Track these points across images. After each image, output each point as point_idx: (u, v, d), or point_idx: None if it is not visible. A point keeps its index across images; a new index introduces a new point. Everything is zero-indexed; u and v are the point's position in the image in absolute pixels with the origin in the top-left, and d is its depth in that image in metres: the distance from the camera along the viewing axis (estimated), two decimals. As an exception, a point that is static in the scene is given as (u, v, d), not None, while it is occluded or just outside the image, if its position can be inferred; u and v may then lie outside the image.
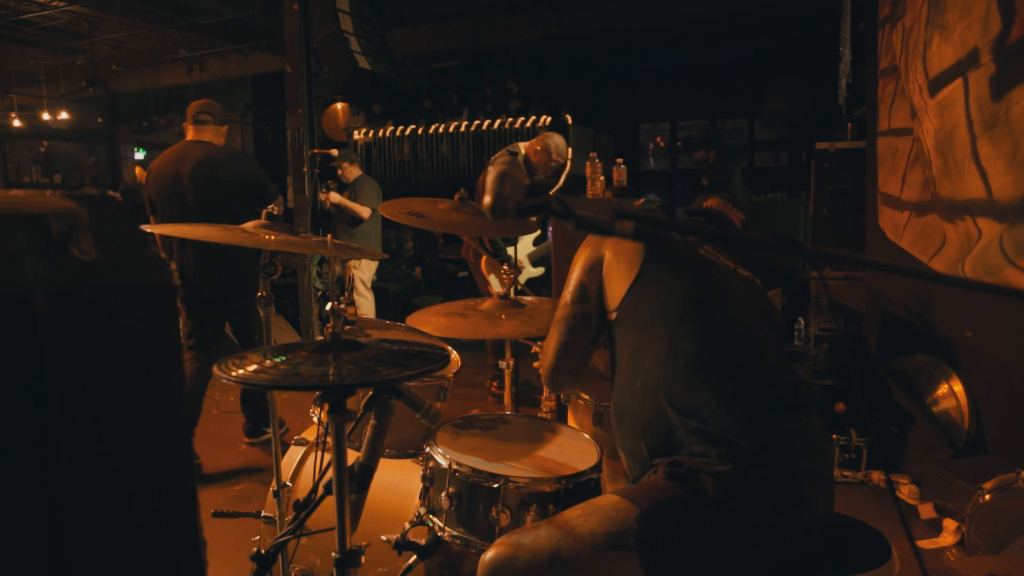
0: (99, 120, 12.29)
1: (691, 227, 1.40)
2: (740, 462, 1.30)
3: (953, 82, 2.86)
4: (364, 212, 5.49)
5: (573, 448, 1.76)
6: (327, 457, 1.34)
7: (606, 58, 8.56)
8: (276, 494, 2.02)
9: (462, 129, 7.92)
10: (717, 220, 1.74)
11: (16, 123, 10.71)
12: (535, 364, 1.99)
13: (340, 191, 5.61)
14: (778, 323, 1.64)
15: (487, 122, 7.76)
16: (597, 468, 1.64)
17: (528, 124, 7.48)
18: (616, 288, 1.53)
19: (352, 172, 5.71)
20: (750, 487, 1.29)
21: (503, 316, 2.06)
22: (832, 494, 1.44)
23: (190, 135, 3.85)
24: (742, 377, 1.40)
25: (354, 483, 1.41)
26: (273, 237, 1.86)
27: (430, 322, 2.03)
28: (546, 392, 2.52)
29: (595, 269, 1.59)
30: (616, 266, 1.54)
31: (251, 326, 3.94)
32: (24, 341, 0.65)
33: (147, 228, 1.80)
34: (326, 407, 1.29)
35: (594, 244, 1.61)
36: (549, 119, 7.30)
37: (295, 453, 2.15)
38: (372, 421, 1.42)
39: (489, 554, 1.37)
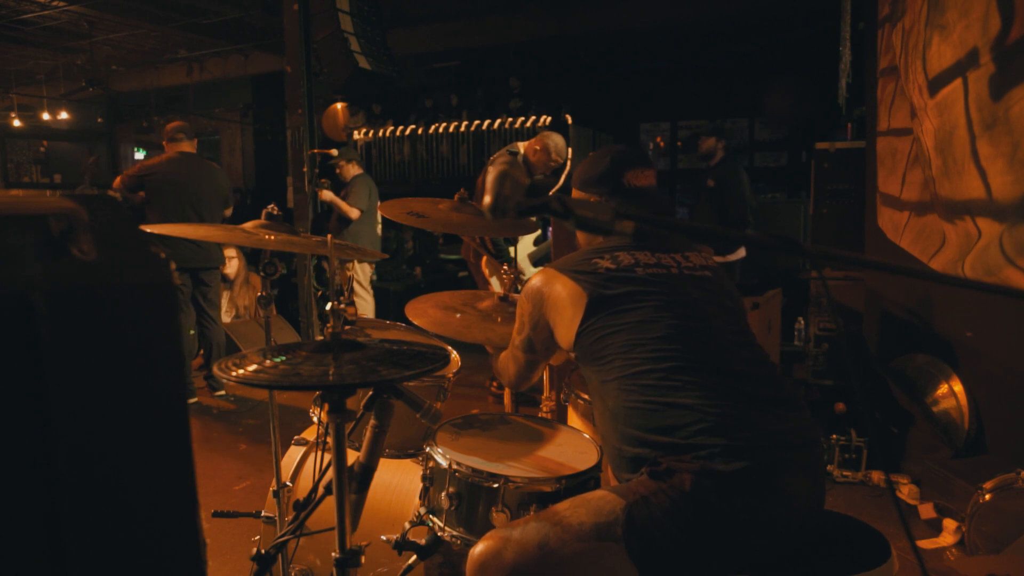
0: (99, 120, 12.29)
1: (689, 227, 1.40)
2: (710, 460, 1.32)
3: (952, 82, 2.86)
4: (352, 213, 5.45)
5: (573, 448, 1.76)
6: (327, 457, 1.34)
7: (606, 58, 8.57)
8: (276, 494, 2.02)
9: (462, 129, 7.92)
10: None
11: (16, 123, 10.71)
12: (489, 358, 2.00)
13: (338, 190, 5.59)
14: (739, 311, 1.63)
15: (487, 122, 7.76)
16: (597, 468, 1.64)
17: (528, 124, 7.48)
18: (565, 335, 1.57)
19: (350, 171, 5.68)
20: (723, 482, 1.30)
21: (499, 319, 2.06)
22: (821, 486, 1.44)
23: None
24: (706, 383, 1.40)
25: (354, 483, 1.41)
26: (273, 237, 1.86)
27: (427, 313, 2.02)
28: (546, 392, 2.52)
29: (540, 323, 1.62)
30: (560, 317, 1.56)
31: None
32: (24, 342, 0.65)
33: (148, 228, 1.80)
34: (326, 407, 1.29)
35: (534, 297, 1.62)
36: (549, 119, 7.30)
37: (295, 453, 2.15)
38: (372, 421, 1.42)
39: (478, 548, 1.38)
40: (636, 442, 1.41)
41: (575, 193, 1.78)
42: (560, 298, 1.56)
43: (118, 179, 4.62)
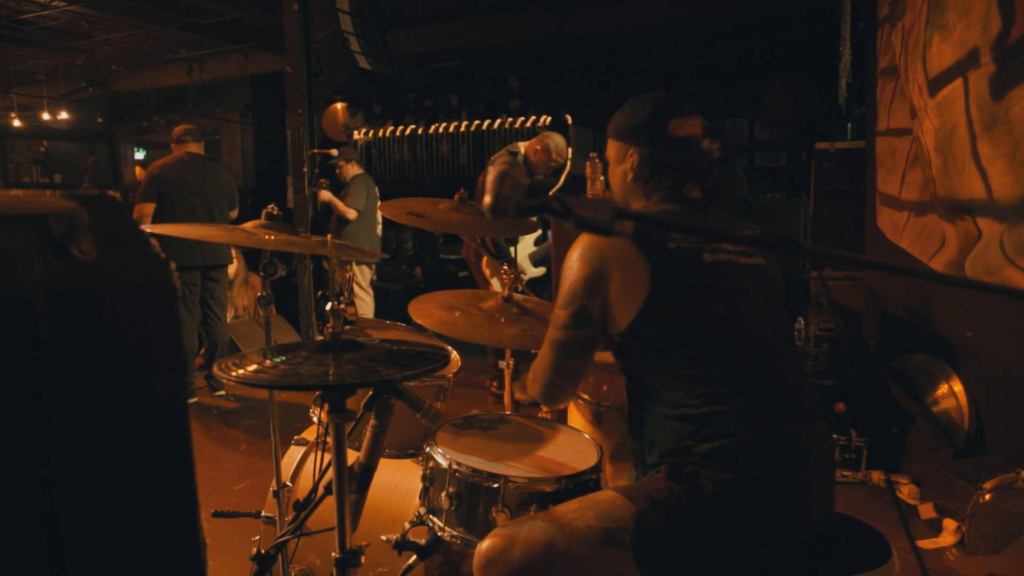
0: (99, 120, 12.29)
1: (689, 226, 1.39)
2: (742, 472, 1.30)
3: (953, 82, 2.86)
4: (350, 214, 5.44)
5: (573, 448, 1.76)
6: (327, 457, 1.34)
7: (606, 58, 8.57)
8: (276, 494, 2.02)
9: (462, 129, 7.92)
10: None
11: (16, 123, 10.72)
12: (521, 387, 1.85)
13: (338, 190, 5.58)
14: (782, 312, 1.53)
15: (487, 122, 7.76)
16: (597, 468, 1.64)
17: (528, 124, 7.48)
18: (622, 316, 1.41)
19: (349, 171, 5.67)
20: (748, 494, 1.29)
21: (503, 320, 2.06)
22: (832, 495, 1.44)
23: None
24: (752, 391, 1.37)
25: (354, 483, 1.41)
26: (273, 237, 1.86)
27: (432, 314, 2.02)
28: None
29: (600, 292, 1.41)
30: (623, 292, 1.40)
31: None
32: (24, 342, 0.65)
33: (147, 228, 1.80)
34: (326, 407, 1.29)
35: (594, 260, 1.42)
36: (549, 119, 7.30)
37: (295, 453, 2.15)
38: (372, 421, 1.42)
39: (485, 544, 1.37)
40: (669, 440, 1.37)
41: (611, 144, 1.61)
42: (629, 262, 1.38)
43: (136, 209, 4.64)
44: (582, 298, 1.43)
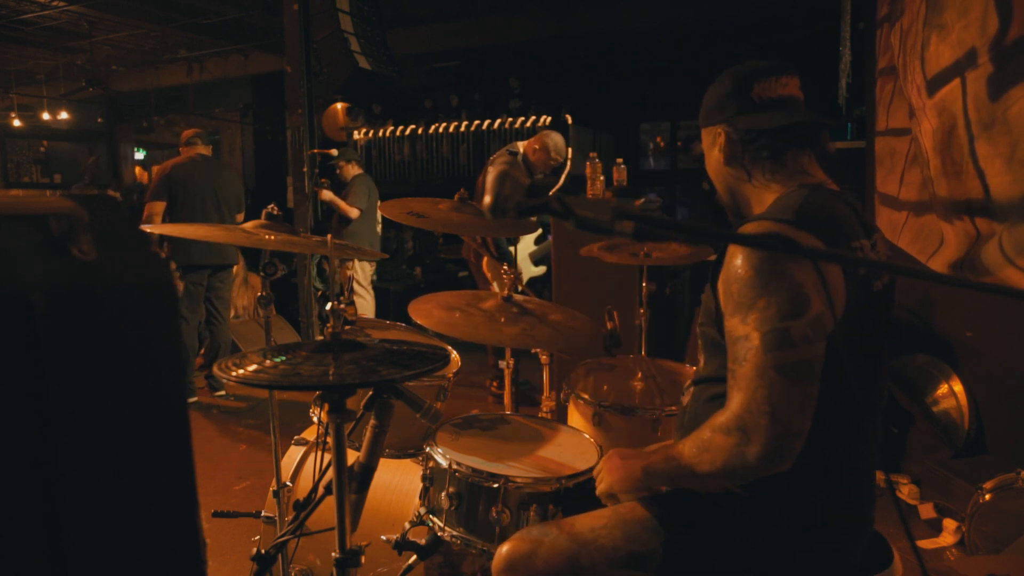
0: (99, 120, 12.30)
1: (691, 227, 1.37)
2: (819, 526, 1.26)
3: (951, 82, 2.86)
4: (352, 213, 5.45)
5: (573, 448, 1.76)
6: (327, 457, 1.34)
7: (606, 58, 8.57)
8: (276, 494, 2.02)
9: (462, 129, 7.92)
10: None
11: (16, 123, 10.73)
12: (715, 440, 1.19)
13: (338, 190, 5.59)
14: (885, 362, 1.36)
15: (487, 122, 7.76)
16: (597, 468, 1.64)
17: (528, 124, 7.48)
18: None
19: (349, 171, 5.68)
20: (815, 535, 1.26)
21: (502, 320, 2.06)
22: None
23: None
24: (861, 451, 1.29)
25: (354, 483, 1.41)
26: (273, 237, 1.86)
27: (432, 314, 2.02)
28: (546, 392, 2.52)
29: (828, 299, 1.15)
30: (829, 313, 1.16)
31: None
32: (24, 342, 0.65)
33: (147, 228, 1.80)
34: (326, 407, 1.29)
35: (803, 262, 1.15)
36: (549, 119, 7.30)
37: (295, 453, 2.15)
38: (372, 421, 1.42)
39: (506, 547, 1.36)
40: (760, 492, 1.24)
41: (702, 135, 1.44)
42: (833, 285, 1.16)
43: (147, 207, 4.66)
44: (817, 299, 1.14)
